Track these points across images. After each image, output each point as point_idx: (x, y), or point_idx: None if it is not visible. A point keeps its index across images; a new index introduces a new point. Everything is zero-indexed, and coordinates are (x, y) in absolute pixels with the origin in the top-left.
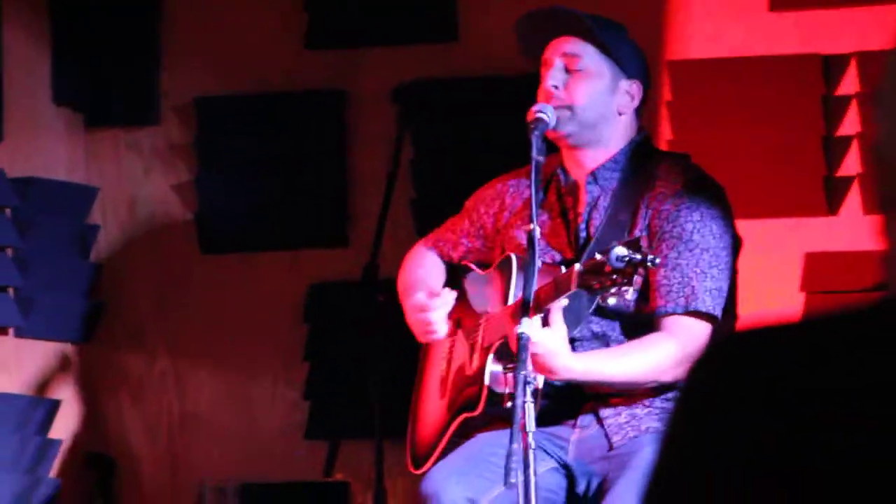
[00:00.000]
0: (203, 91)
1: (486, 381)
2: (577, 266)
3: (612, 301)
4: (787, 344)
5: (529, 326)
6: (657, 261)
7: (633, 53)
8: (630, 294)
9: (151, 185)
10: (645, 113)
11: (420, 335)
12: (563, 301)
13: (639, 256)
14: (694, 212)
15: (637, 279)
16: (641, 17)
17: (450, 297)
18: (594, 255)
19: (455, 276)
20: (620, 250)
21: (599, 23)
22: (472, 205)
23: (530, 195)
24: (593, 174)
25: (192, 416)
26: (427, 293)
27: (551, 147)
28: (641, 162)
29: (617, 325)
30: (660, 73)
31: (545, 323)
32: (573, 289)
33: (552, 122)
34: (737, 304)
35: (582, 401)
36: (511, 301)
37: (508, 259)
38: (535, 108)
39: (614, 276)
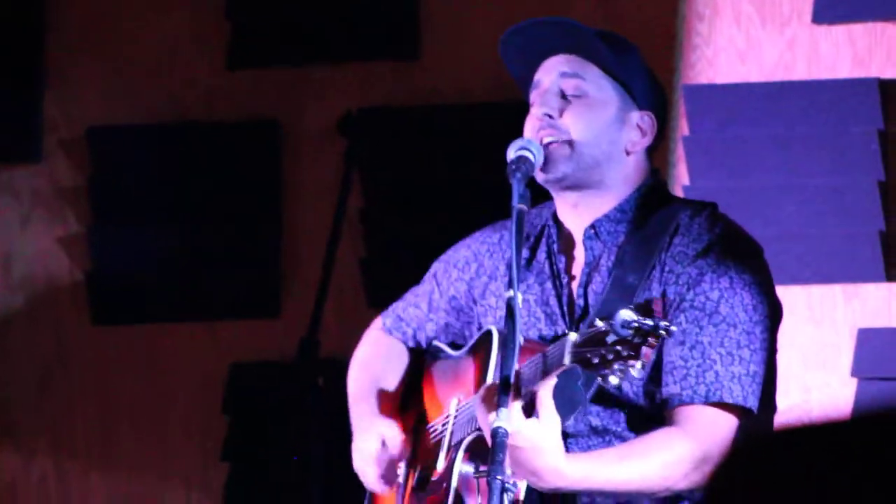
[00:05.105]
0: (98, 121)
1: (454, 483)
2: (572, 335)
3: (614, 381)
4: (834, 450)
5: (507, 417)
6: (672, 328)
7: (646, 78)
8: (637, 371)
9: (31, 237)
10: (657, 152)
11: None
12: (552, 382)
13: (650, 322)
14: (722, 277)
15: (646, 351)
16: (649, 30)
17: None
18: (594, 321)
19: (419, 359)
20: (627, 314)
21: (606, 39)
22: (440, 269)
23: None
24: (594, 227)
25: None
26: (382, 445)
27: (541, 192)
28: (655, 212)
29: (623, 417)
30: (673, 100)
31: (530, 411)
32: (566, 365)
33: (539, 162)
34: (774, 393)
35: None
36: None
37: (488, 334)
38: (515, 145)
39: (618, 348)
